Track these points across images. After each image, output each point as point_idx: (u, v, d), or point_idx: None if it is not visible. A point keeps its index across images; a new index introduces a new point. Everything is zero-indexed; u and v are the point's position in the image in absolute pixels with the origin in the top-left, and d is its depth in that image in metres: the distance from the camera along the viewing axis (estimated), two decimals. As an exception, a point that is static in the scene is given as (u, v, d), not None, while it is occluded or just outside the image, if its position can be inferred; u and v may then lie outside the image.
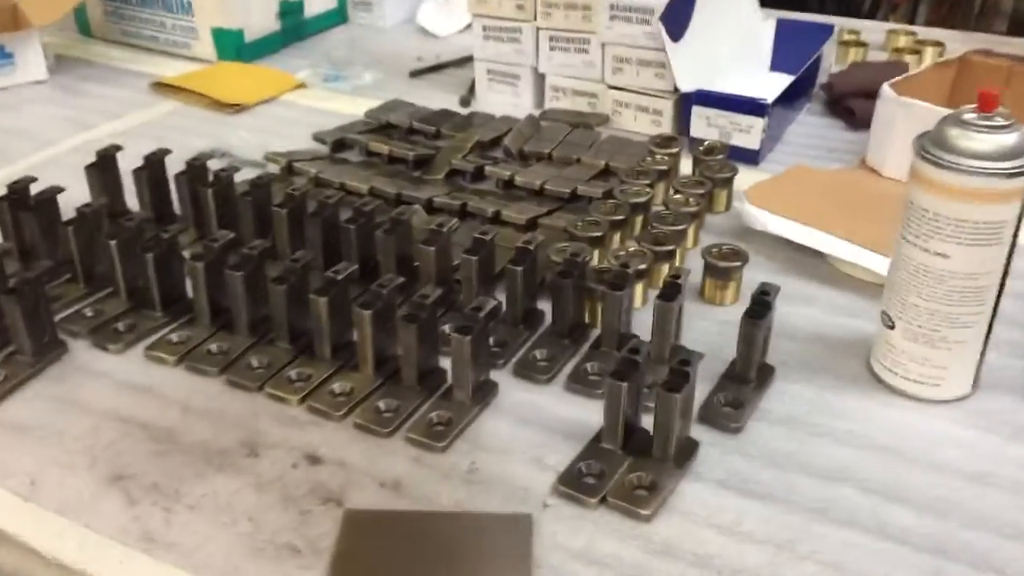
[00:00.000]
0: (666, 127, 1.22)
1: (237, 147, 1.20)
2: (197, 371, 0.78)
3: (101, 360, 0.79)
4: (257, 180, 0.93)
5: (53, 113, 1.31)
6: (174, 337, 0.81)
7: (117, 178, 1.00)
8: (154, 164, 0.98)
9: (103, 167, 0.98)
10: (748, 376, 0.75)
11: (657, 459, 0.67)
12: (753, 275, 0.87)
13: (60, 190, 0.91)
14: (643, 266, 0.81)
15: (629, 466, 0.67)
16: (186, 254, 0.92)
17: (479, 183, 1.10)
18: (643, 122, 1.24)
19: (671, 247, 0.88)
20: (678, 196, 0.97)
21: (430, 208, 1.01)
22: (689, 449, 0.68)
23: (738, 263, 0.85)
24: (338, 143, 1.18)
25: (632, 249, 0.87)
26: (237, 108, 1.32)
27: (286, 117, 1.31)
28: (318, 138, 1.18)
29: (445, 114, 1.26)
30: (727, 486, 0.66)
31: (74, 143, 1.22)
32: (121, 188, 1.00)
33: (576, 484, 0.65)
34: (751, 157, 1.13)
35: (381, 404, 0.73)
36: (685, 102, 1.17)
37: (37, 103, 1.36)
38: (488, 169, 1.08)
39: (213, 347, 0.80)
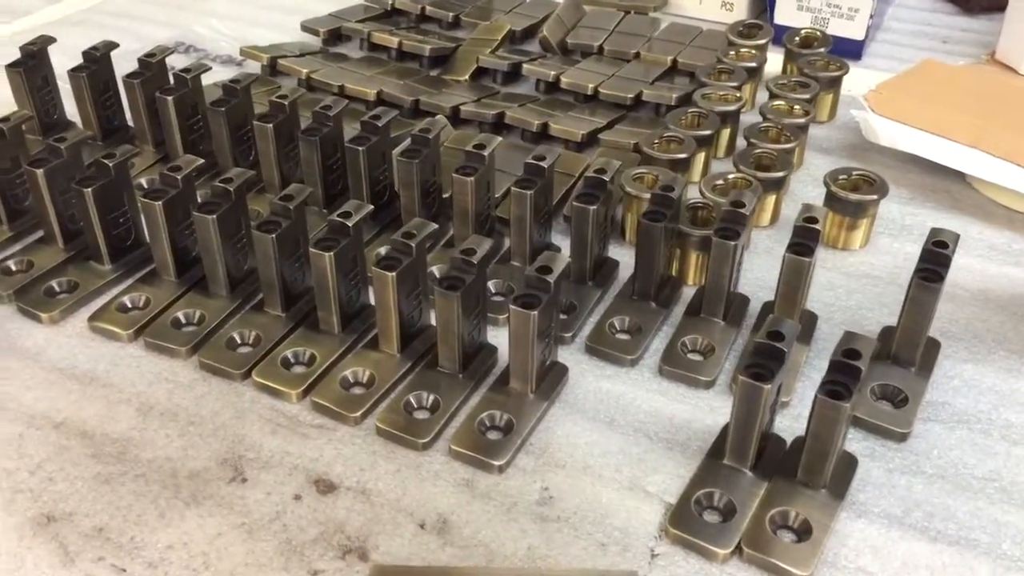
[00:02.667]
0: (740, 12, 0.99)
1: (205, 39, 0.96)
2: (159, 349, 0.57)
3: (30, 333, 0.59)
4: (232, 83, 0.71)
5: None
6: (127, 301, 0.60)
7: (51, 81, 0.77)
8: (97, 62, 0.75)
9: (30, 67, 0.75)
10: (909, 357, 0.55)
11: (803, 484, 0.48)
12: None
13: (-30, 99, 0.69)
14: (755, 201, 0.60)
15: (767, 496, 0.48)
16: (143, 184, 0.71)
17: (512, 85, 0.88)
18: (711, 6, 1.01)
19: (781, 173, 0.67)
20: (778, 103, 0.75)
21: (455, 119, 0.80)
22: (845, 469, 0.49)
23: (874, 196, 0.65)
24: (332, 34, 0.95)
25: (732, 177, 0.66)
26: (206, -10, 1.08)
27: (264, 1, 1.07)
28: (308, 28, 0.95)
29: (466, -3, 1.02)
30: (906, 525, 0.47)
31: (4, 33, 0.98)
32: (56, 95, 0.78)
33: (696, 525, 0.46)
34: (853, 50, 0.90)
35: (412, 399, 0.53)
36: (768, -20, 0.94)
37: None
38: (526, 67, 0.85)
39: (180, 315, 0.59)
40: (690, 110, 0.74)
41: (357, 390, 0.54)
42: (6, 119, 0.65)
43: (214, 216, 0.57)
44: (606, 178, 0.60)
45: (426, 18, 0.99)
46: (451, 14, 0.97)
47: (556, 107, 0.82)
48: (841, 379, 0.45)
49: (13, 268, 0.63)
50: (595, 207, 0.59)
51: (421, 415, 0.53)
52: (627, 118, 0.80)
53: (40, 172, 0.61)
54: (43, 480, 0.49)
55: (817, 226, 0.55)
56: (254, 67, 0.89)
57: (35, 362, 0.56)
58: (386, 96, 0.81)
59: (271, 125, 0.67)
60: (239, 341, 0.58)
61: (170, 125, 0.72)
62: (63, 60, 0.77)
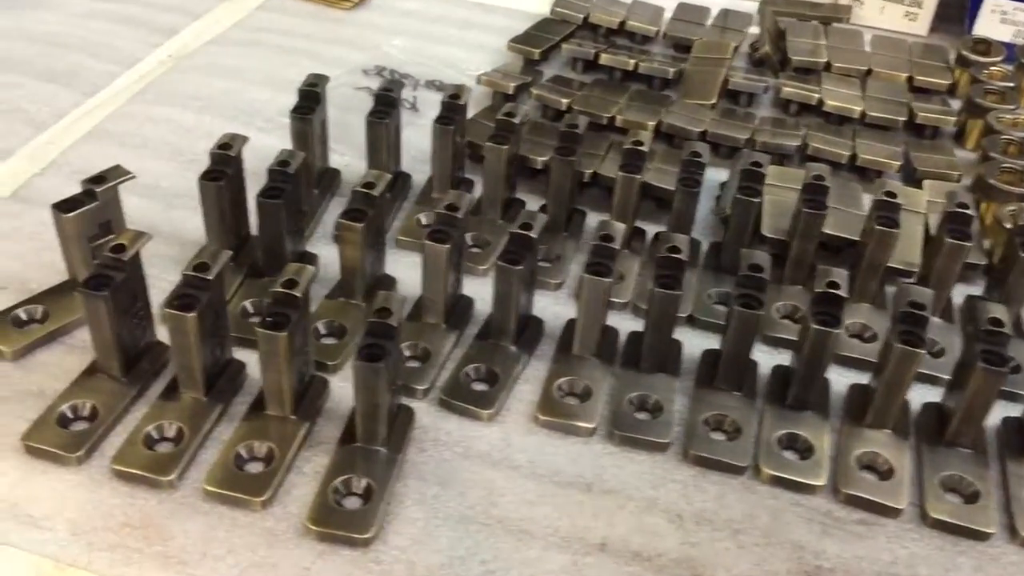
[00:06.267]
0: (924, 21, 0.99)
1: (404, 63, 0.88)
2: (635, 444, 0.52)
3: (478, 434, 0.52)
4: (572, 128, 0.64)
5: (100, 9, 0.93)
6: (563, 385, 0.55)
7: (325, 127, 0.68)
8: (394, 106, 0.66)
9: (316, 111, 0.66)
10: None
11: None
12: None
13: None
14: None
15: None
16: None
17: (750, 106, 0.85)
18: (892, 15, 1.00)
19: None
20: (1074, 128, 0.76)
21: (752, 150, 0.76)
22: None
23: None
24: (544, 54, 0.88)
25: (1099, 213, 0.66)
26: (355, 1, 0.98)
27: (424, 12, 0.98)
28: (518, 48, 0.87)
29: (647, 8, 0.97)
30: None
31: (159, 58, 0.86)
32: (325, 141, 0.69)
33: None
34: (1055, 64, 0.92)
35: (944, 482, 0.50)
36: (974, -8, 0.94)
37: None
38: (786, 90, 0.82)
39: (632, 398, 0.54)
40: (1001, 137, 0.73)
41: (868, 475, 0.51)
42: (369, 184, 0.57)
43: (677, 292, 0.52)
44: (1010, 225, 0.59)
45: (617, 31, 0.93)
46: (654, 28, 0.92)
47: (821, 130, 0.79)
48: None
49: (407, 353, 0.56)
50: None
51: (954, 498, 0.50)
52: (901, 142, 0.79)
53: (444, 248, 0.54)
54: (628, 618, 0.43)
55: None
56: (475, 92, 0.82)
57: (511, 469, 0.50)
58: (667, 128, 0.76)
59: (636, 176, 0.62)
60: (712, 425, 0.53)
61: (496, 177, 0.65)
62: (239, 86, 0.73)
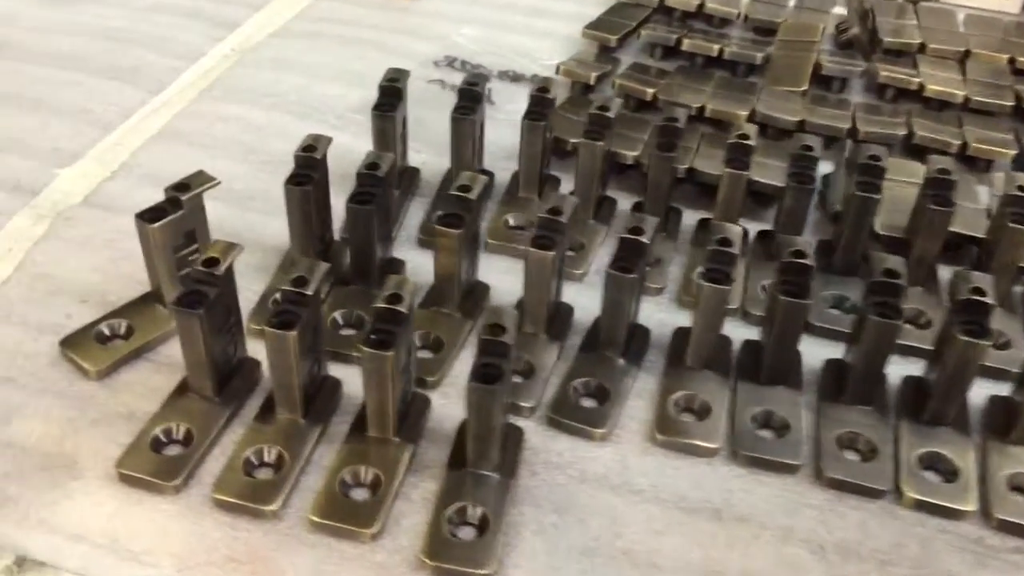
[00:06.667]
0: (1015, 0, 0.94)
1: (475, 53, 0.84)
2: (758, 465, 0.48)
3: (591, 455, 0.48)
4: (671, 121, 0.61)
5: (159, 2, 0.89)
6: (680, 400, 0.51)
7: (406, 124, 0.65)
8: (480, 101, 0.63)
9: (387, 108, 0.62)
10: None
11: None
12: None
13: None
14: None
15: None
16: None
17: (842, 91, 0.80)
18: (985, -7, 0.95)
19: None
20: None
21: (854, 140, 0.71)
22: None
23: None
24: (620, 41, 0.84)
25: None
26: (417, -11, 0.95)
27: (491, 0, 0.94)
28: (593, 35, 0.83)
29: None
30: None
31: (223, 51, 0.83)
32: (406, 139, 0.66)
33: None
34: None
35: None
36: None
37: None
38: (885, 75, 0.77)
39: (755, 413, 0.50)
40: (1124, 124, 0.69)
41: (1020, 498, 0.47)
42: (465, 187, 0.53)
43: (806, 301, 0.48)
44: None
45: (691, 15, 0.89)
46: (734, 11, 0.87)
47: (922, 117, 0.74)
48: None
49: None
50: None
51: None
52: (1007, 128, 0.74)
53: (550, 255, 0.50)
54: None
55: None
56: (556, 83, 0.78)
57: (633, 494, 0.46)
58: (761, 118, 0.72)
59: (744, 173, 0.58)
60: (843, 445, 0.49)
61: (590, 175, 0.61)
62: (307, 81, 0.70)
